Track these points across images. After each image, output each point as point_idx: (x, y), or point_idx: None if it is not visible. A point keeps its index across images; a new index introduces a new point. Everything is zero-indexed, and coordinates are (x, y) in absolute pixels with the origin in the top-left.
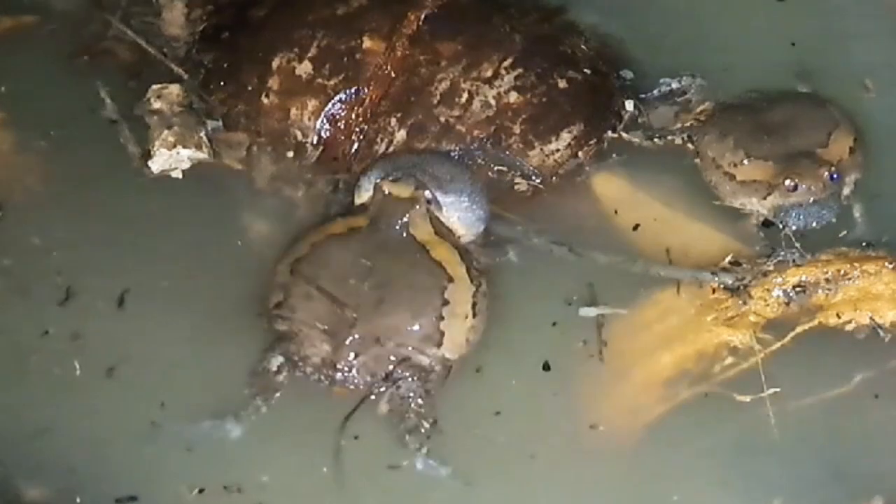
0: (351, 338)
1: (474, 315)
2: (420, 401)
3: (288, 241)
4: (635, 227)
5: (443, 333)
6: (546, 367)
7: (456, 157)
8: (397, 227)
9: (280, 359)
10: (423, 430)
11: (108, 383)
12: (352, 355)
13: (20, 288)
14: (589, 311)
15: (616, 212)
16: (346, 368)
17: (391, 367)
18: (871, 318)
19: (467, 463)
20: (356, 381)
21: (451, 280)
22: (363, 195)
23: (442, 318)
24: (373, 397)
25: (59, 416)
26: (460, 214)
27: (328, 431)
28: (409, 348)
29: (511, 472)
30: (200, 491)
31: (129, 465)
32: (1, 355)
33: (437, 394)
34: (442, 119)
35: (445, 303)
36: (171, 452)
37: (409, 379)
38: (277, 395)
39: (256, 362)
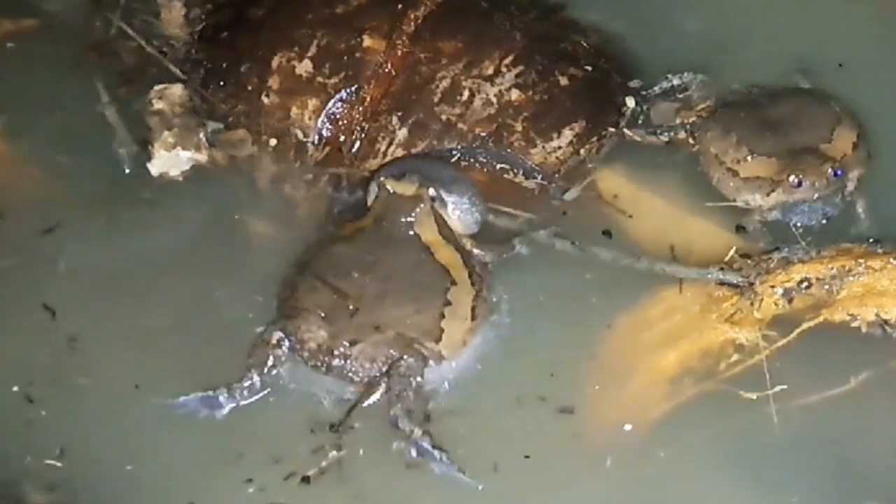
0: (349, 325)
1: (473, 318)
2: (419, 379)
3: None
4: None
5: (442, 330)
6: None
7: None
8: (402, 225)
9: (280, 334)
10: (416, 414)
11: (106, 380)
12: (349, 341)
13: (18, 291)
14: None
15: (619, 209)
16: (343, 354)
17: (389, 356)
18: (876, 314)
19: (466, 459)
20: (354, 368)
21: (454, 283)
22: (371, 198)
23: (443, 316)
24: (377, 397)
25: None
26: (461, 214)
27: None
28: (409, 337)
29: (511, 471)
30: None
31: (122, 444)
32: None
33: (431, 389)
34: (443, 117)
35: (448, 303)
36: (165, 428)
37: (407, 362)
38: (275, 370)
39: (257, 336)
